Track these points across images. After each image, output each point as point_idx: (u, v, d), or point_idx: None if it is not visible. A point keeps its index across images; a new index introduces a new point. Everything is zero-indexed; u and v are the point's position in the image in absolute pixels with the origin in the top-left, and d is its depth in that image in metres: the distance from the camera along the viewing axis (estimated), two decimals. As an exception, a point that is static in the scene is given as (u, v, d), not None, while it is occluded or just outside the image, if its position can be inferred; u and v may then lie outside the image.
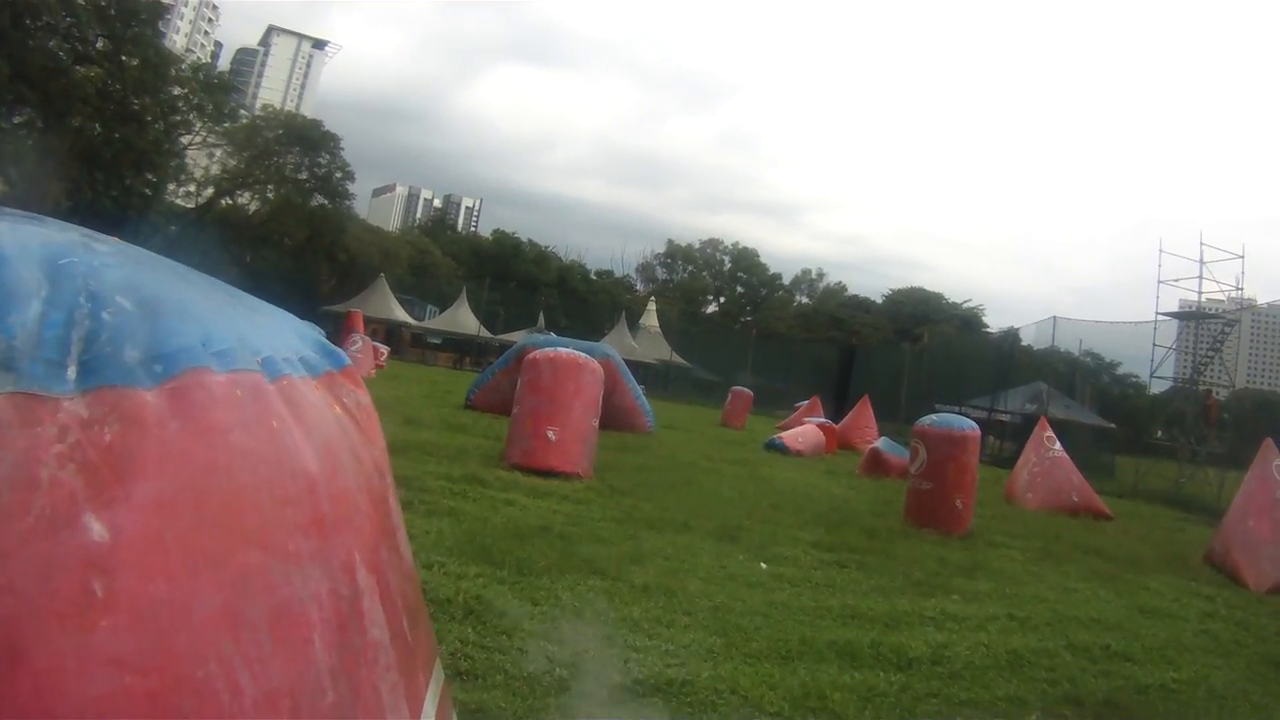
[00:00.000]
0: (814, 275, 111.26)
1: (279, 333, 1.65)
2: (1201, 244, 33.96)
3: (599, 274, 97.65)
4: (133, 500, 1.13)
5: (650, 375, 56.87)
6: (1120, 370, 54.57)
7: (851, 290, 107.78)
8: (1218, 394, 35.89)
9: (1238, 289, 35.48)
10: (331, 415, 1.63)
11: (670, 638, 6.18)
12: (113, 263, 1.32)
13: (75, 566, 1.05)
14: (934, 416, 14.46)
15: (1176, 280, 34.79)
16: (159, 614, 1.11)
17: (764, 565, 8.99)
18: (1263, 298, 41.17)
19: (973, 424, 14.21)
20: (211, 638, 1.16)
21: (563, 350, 14.09)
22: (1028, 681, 6.50)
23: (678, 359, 66.22)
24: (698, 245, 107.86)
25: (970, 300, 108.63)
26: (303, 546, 1.35)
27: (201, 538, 1.19)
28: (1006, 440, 36.34)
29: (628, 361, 25.15)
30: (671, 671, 5.48)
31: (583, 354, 14.14)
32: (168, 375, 1.25)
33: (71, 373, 1.15)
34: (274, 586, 1.27)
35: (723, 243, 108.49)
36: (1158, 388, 40.66)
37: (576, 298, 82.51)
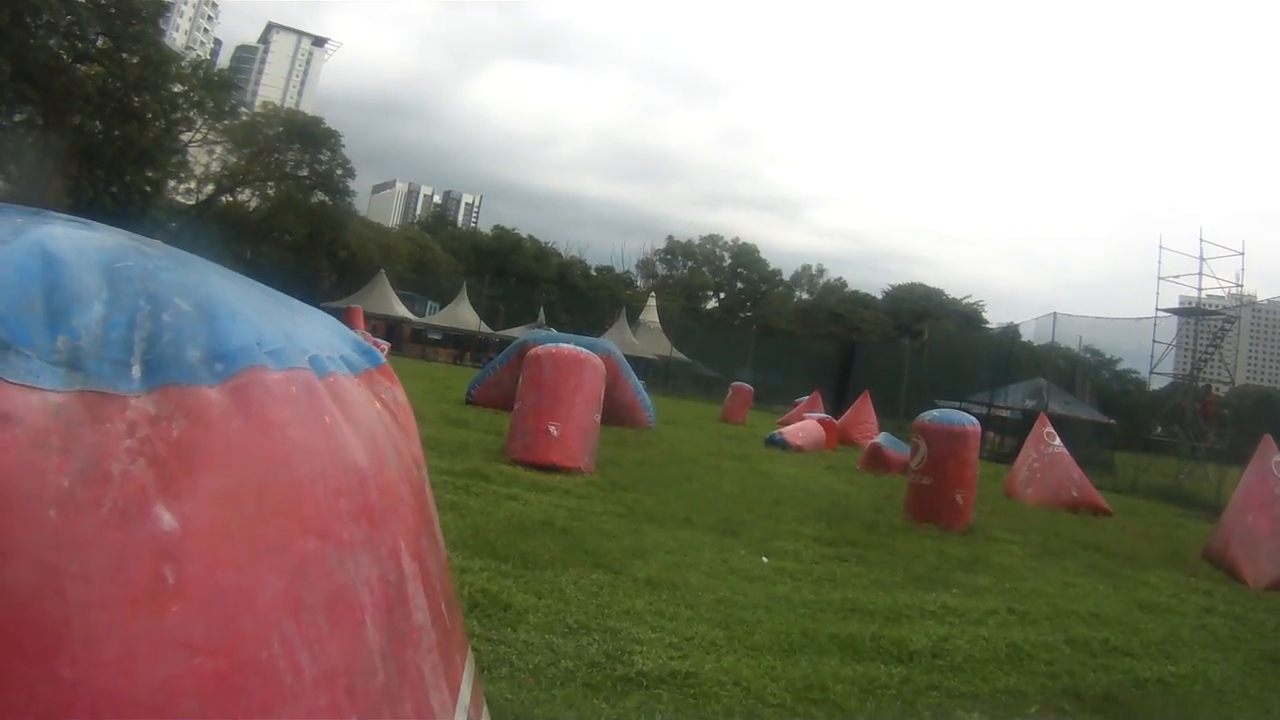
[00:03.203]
0: (814, 271, 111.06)
1: (320, 332, 1.73)
2: (1201, 240, 34.06)
3: (599, 270, 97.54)
4: (200, 492, 1.20)
5: (650, 371, 56.92)
6: (1120, 366, 54.66)
7: (852, 286, 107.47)
8: (1217, 390, 35.92)
9: (1237, 285, 35.58)
10: (374, 411, 1.71)
11: (674, 630, 6.23)
12: (165, 265, 1.39)
13: (147, 556, 1.12)
14: (935, 412, 14.53)
15: (1177, 276, 34.87)
16: (225, 599, 1.18)
17: (765, 559, 9.05)
18: (1263, 294, 41.18)
19: (973, 420, 14.28)
20: (274, 621, 1.24)
21: (564, 346, 14.12)
22: (1027, 675, 6.55)
23: (678, 355, 66.26)
24: (698, 241, 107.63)
25: (970, 296, 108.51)
26: (355, 535, 1.43)
27: (264, 527, 1.27)
28: (1006, 436, 36.39)
29: (628, 357, 25.18)
30: (675, 663, 5.52)
31: (584, 349, 14.16)
32: (229, 374, 1.32)
33: (136, 372, 1.21)
34: (330, 572, 1.35)
35: (723, 238, 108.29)
36: (1157, 384, 40.70)
37: (577, 293, 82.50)
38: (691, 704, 5.06)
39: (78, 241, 1.31)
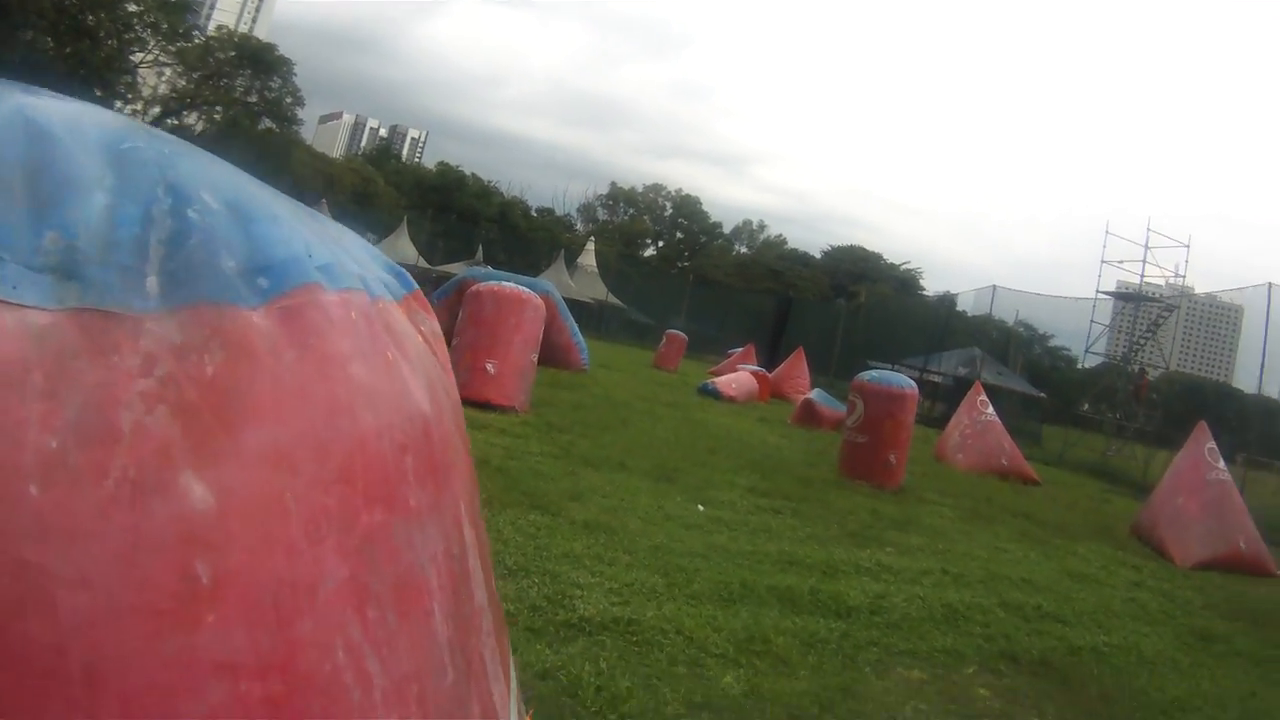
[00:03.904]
0: (755, 226, 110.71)
1: (355, 248, 1.37)
2: (1149, 230, 34.50)
3: (540, 211, 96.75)
4: (244, 453, 0.87)
5: (585, 314, 56.66)
6: (1053, 343, 55.12)
7: (792, 244, 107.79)
8: (1150, 374, 36.45)
9: (1179, 276, 36.06)
10: (421, 345, 1.35)
11: (613, 576, 6.17)
12: (183, 152, 1.06)
13: (171, 546, 0.80)
14: (874, 373, 14.60)
15: (1120, 261, 35.34)
16: (279, 598, 0.86)
17: (701, 508, 8.99)
18: (1200, 288, 41.88)
19: (912, 383, 14.40)
20: (337, 620, 0.91)
21: (505, 284, 13.96)
22: (964, 636, 6.55)
23: (613, 300, 66.00)
24: (641, 189, 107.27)
25: (909, 262, 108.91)
26: (421, 501, 1.10)
27: (324, 497, 0.94)
28: (938, 401, 36.57)
29: (564, 300, 25.03)
30: (617, 610, 5.46)
31: (525, 288, 14.02)
32: (277, 291, 0.99)
33: (153, 285, 0.89)
34: (398, 552, 1.03)
35: (666, 188, 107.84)
36: (1090, 363, 41.14)
37: (516, 233, 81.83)
38: (635, 652, 4.98)
39: (72, 115, 0.98)
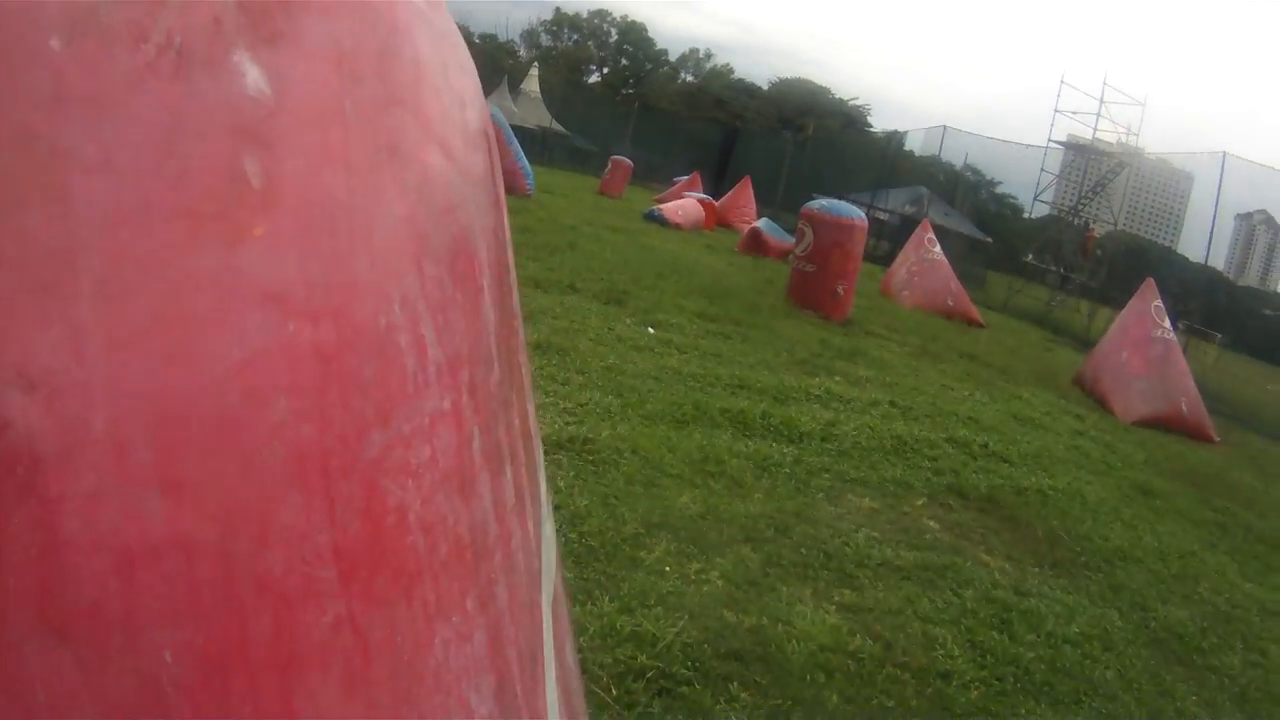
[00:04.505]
0: (701, 55, 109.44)
1: None
2: (1105, 84, 34.30)
3: (482, 38, 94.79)
4: (305, 41, 0.68)
5: (530, 140, 55.94)
6: (1000, 189, 55.16)
7: (738, 75, 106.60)
8: (1096, 230, 36.54)
9: (1132, 134, 35.93)
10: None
11: (567, 395, 6.14)
12: None
13: (219, 134, 0.62)
14: (824, 201, 14.37)
15: (1074, 113, 35.09)
16: (335, 221, 0.68)
17: (651, 330, 8.91)
18: (1151, 150, 41.85)
19: (861, 214, 14.27)
20: (395, 267, 0.73)
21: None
22: (913, 468, 6.57)
23: (557, 126, 65.20)
24: (585, 15, 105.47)
25: (857, 99, 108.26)
26: (473, 163, 0.87)
27: (385, 118, 0.74)
28: (883, 239, 36.61)
29: (508, 125, 24.58)
30: (572, 429, 5.44)
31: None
32: None
33: None
34: (453, 207, 0.82)
35: (611, 14, 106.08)
36: (1037, 213, 41.17)
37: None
38: (592, 470, 4.94)
39: None
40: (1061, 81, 35.38)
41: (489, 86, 63.01)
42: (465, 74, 0.89)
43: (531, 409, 1.08)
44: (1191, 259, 35.76)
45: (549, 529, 1.19)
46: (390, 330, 0.71)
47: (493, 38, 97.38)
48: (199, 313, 0.60)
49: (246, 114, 0.63)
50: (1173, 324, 13.46)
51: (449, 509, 0.76)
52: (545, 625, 1.02)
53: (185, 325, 0.59)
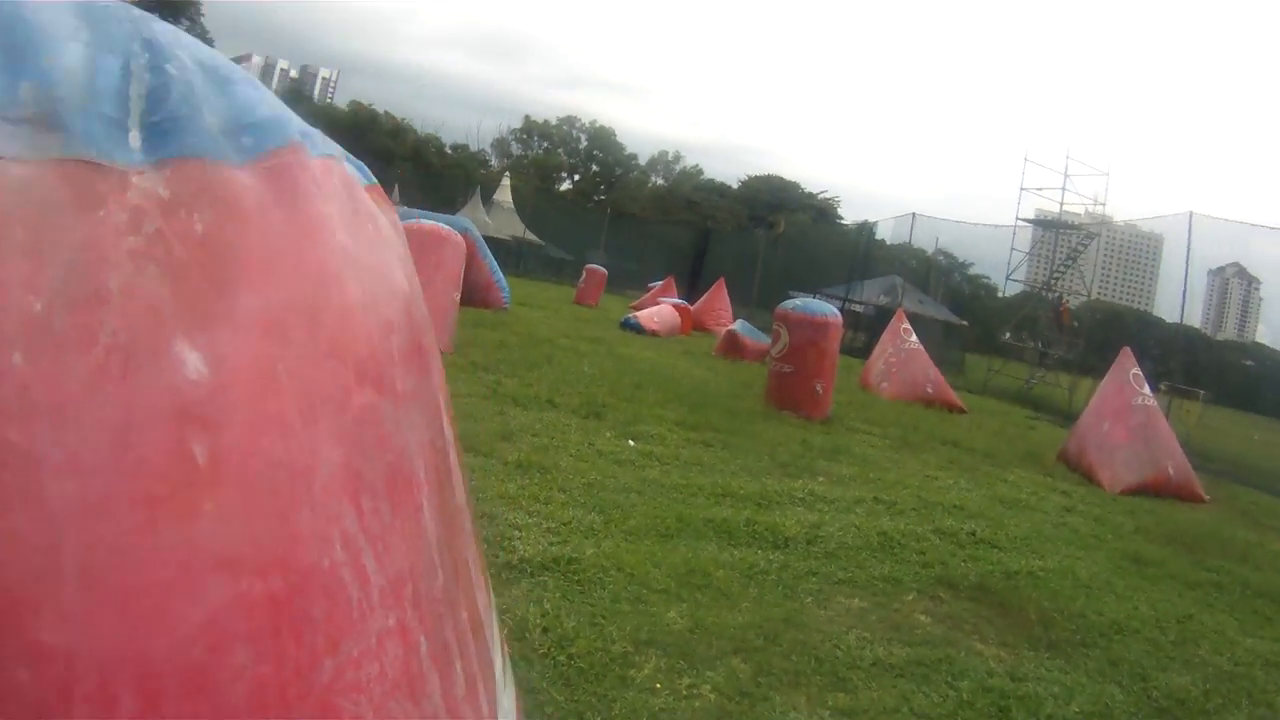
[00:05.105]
0: (670, 157, 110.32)
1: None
2: (1068, 157, 35.00)
3: (454, 148, 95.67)
4: (238, 319, 0.77)
5: (503, 252, 56.19)
6: (973, 271, 55.61)
7: (708, 175, 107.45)
8: (1069, 302, 36.86)
9: (1099, 204, 36.51)
10: (390, 229, 1.26)
11: (550, 514, 6.14)
12: (152, 17, 0.93)
13: (165, 422, 0.69)
14: (797, 301, 14.53)
15: (1039, 189, 35.72)
16: (276, 484, 0.74)
17: (632, 442, 8.93)
18: (1119, 217, 42.69)
19: (835, 311, 14.37)
20: (335, 511, 0.79)
21: (425, 222, 13.78)
22: (901, 563, 6.59)
23: (531, 236, 65.56)
24: (554, 122, 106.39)
25: (826, 191, 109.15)
26: (408, 385, 0.99)
27: (317, 371, 0.83)
28: (860, 331, 36.82)
29: (482, 237, 24.77)
30: (556, 549, 5.42)
31: (445, 226, 13.84)
32: (261, 150, 0.90)
33: (136, 138, 0.79)
34: (387, 437, 0.90)
35: (580, 120, 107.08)
36: (1010, 291, 41.55)
37: (431, 171, 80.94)
38: (578, 590, 4.93)
39: None
40: (1025, 159, 36.03)
41: (463, 198, 63.46)
42: (396, 279, 0.98)
43: (486, 584, 1.15)
44: (1167, 319, 36.18)
45: (507, 700, 1.24)
46: (334, 568, 0.76)
47: (464, 148, 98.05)
48: (164, 583, 0.66)
49: (189, 397, 0.70)
50: (1153, 386, 13.65)
51: (400, 712, 0.82)
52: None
53: (153, 595, 0.65)
